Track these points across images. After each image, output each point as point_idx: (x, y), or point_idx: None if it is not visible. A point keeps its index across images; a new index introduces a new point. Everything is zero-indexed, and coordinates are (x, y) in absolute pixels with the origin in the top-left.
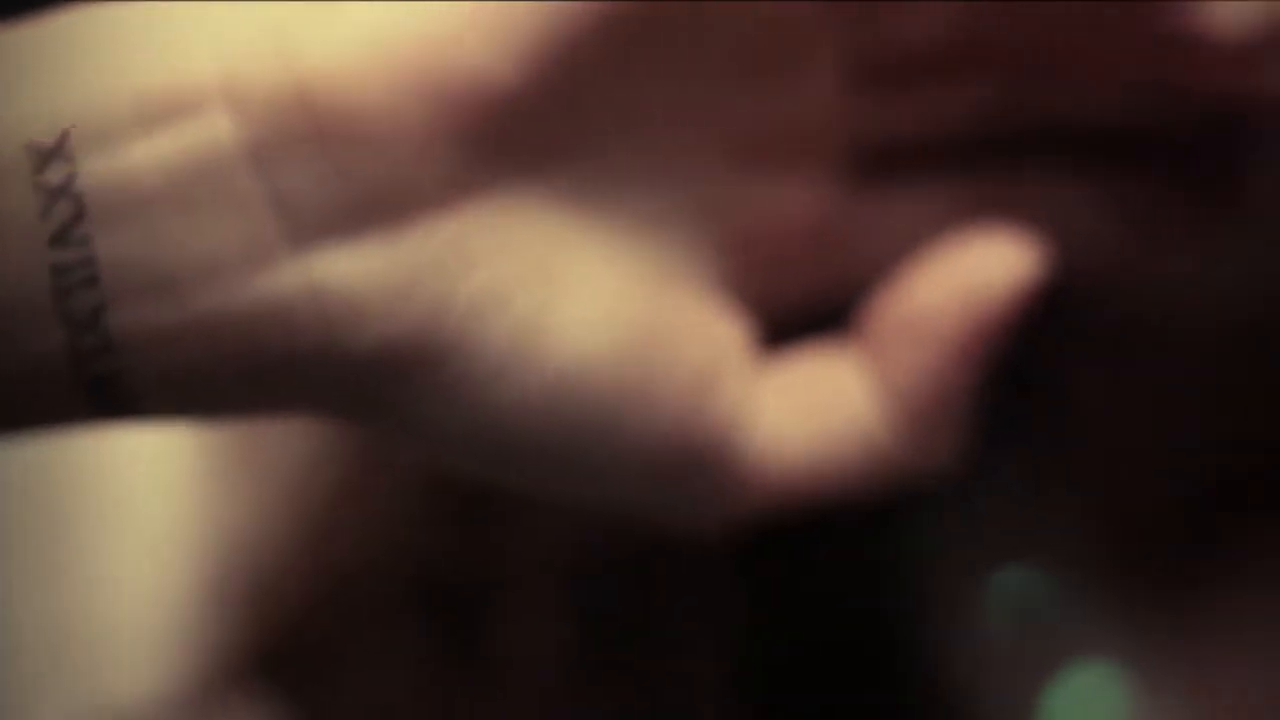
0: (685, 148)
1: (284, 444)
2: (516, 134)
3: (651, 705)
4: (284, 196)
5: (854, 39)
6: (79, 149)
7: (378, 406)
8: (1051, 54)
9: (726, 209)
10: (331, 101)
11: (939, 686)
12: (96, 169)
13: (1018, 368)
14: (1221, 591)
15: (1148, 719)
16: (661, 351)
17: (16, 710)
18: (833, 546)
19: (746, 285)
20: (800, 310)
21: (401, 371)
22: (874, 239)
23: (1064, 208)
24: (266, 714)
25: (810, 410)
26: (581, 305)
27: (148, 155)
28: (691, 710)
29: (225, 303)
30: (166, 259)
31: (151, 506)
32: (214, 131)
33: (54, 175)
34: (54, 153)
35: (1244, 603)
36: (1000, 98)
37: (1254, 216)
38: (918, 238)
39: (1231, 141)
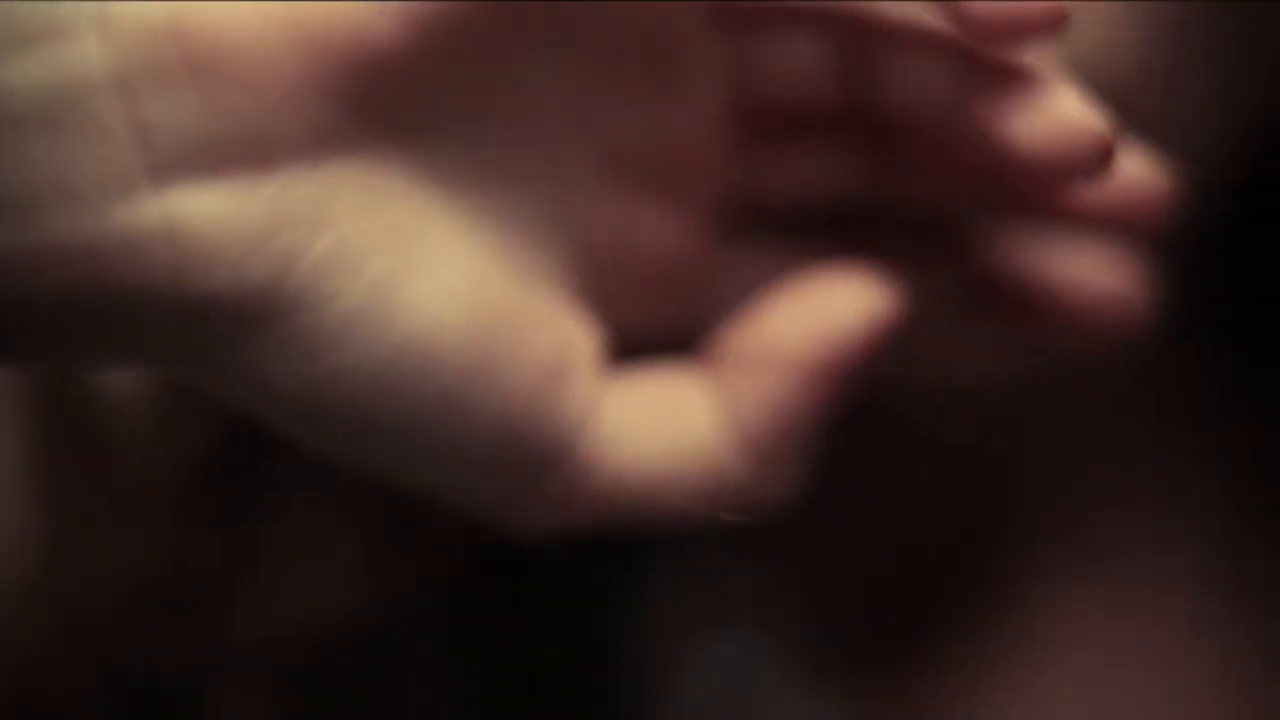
0: (560, 149)
1: None
2: (392, 99)
3: None
4: (148, 128)
5: (738, 75)
6: None
7: (216, 358)
8: (910, 131)
9: (591, 220)
10: (205, 37)
11: None
12: None
13: None
14: (934, 659)
15: None
16: (512, 338)
17: None
18: (560, 608)
19: (600, 300)
20: (648, 336)
21: (246, 321)
22: (728, 286)
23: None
24: None
25: (655, 426)
26: (436, 278)
27: (17, 75)
28: None
29: (80, 230)
30: (25, 180)
31: None
32: (84, 56)
33: None
34: None
35: (959, 678)
36: (864, 167)
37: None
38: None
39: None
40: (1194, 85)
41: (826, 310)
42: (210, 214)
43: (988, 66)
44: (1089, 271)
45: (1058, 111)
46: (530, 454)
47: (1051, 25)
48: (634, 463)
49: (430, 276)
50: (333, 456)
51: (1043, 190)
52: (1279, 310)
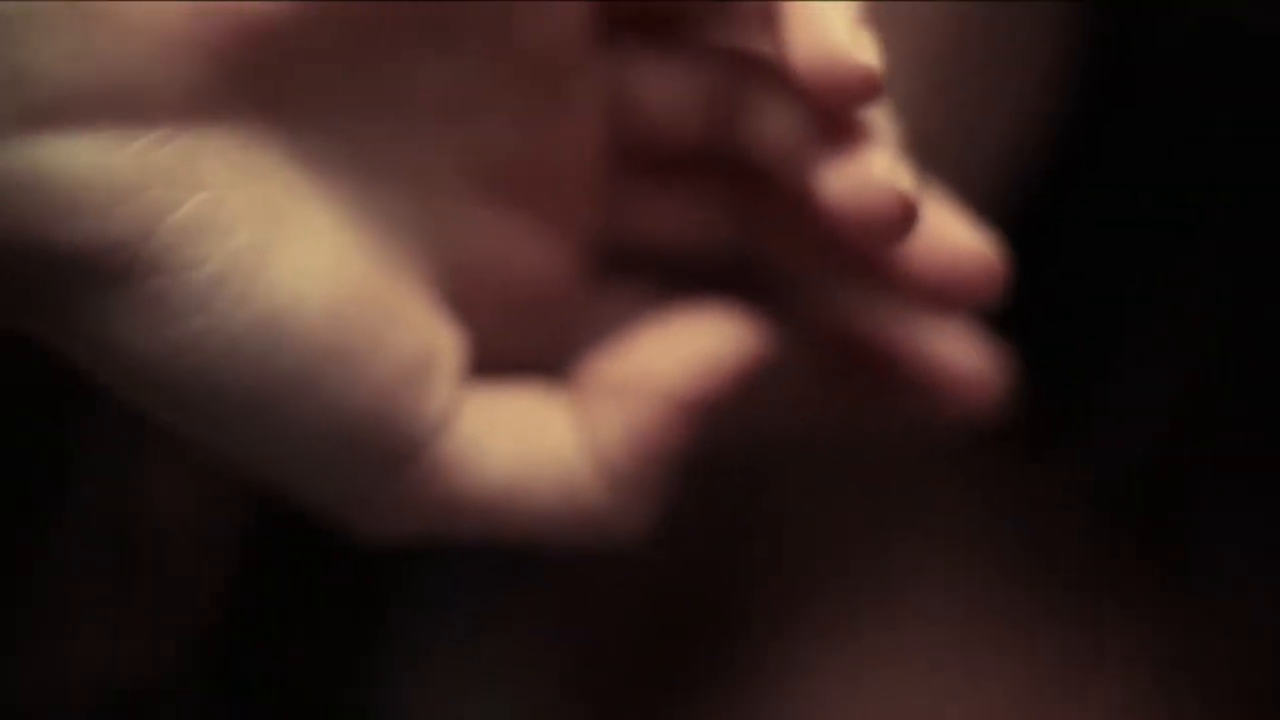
0: (436, 153)
1: None
2: (274, 72)
3: None
4: (23, 70)
5: (619, 104)
6: None
7: (70, 315)
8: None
9: (461, 230)
10: None
11: None
12: None
13: None
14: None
15: None
16: (372, 328)
17: None
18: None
19: (467, 312)
20: (513, 358)
21: (103, 276)
22: (595, 318)
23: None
24: None
25: (513, 441)
26: (301, 256)
27: None
28: None
29: None
30: None
31: None
32: None
33: None
34: None
35: None
36: (733, 213)
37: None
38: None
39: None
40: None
41: (695, 344)
42: (77, 162)
43: (824, 119)
44: (944, 344)
45: (865, 169)
46: (381, 449)
47: (867, 90)
48: (488, 475)
49: (296, 254)
50: (181, 430)
51: (856, 249)
52: (1051, 343)
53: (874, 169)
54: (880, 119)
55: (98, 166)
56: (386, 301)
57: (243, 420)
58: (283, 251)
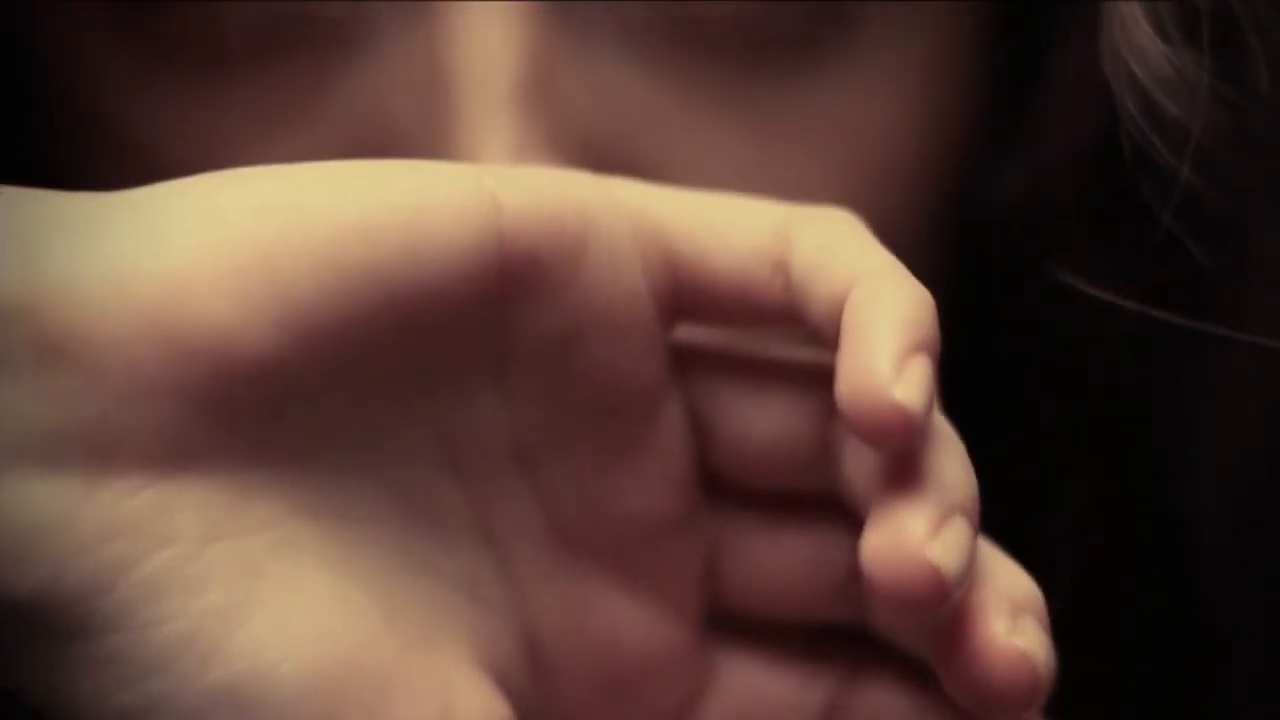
0: (492, 505)
1: None
2: (253, 408)
3: None
4: None
5: (705, 441)
6: None
7: (18, 666)
8: None
9: (533, 591)
10: (59, 322)
11: None
12: None
13: None
14: None
15: None
16: (370, 698)
17: None
18: None
19: (557, 682)
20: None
21: (56, 630)
22: (704, 686)
23: None
24: None
25: None
26: (282, 618)
27: None
28: None
29: None
30: None
31: None
32: None
33: None
34: None
35: None
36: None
37: None
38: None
39: None
40: None
41: None
42: (39, 506)
43: (887, 463)
44: None
45: (901, 532)
46: None
47: (902, 431)
48: None
49: (276, 615)
50: None
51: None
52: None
53: (909, 532)
54: (942, 464)
55: (60, 513)
56: (390, 670)
57: None
58: (260, 612)
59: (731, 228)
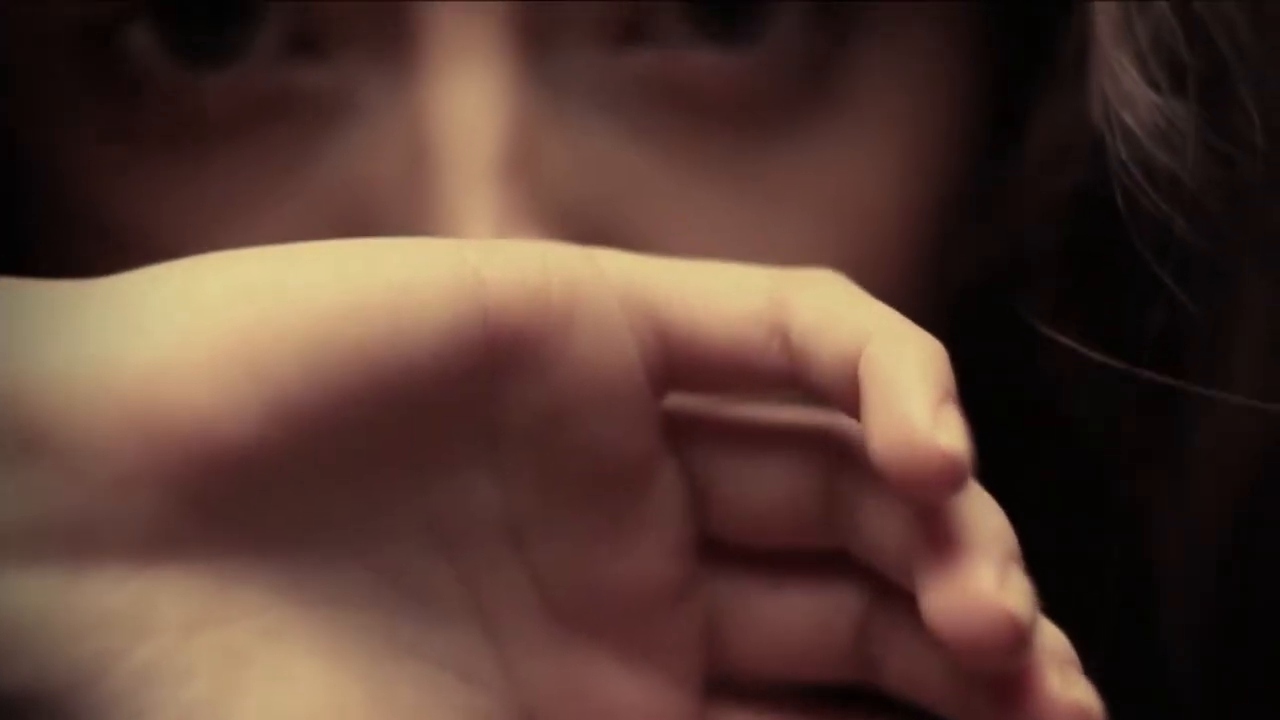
0: (486, 582)
1: None
2: (238, 494)
3: None
4: None
5: (702, 506)
6: None
7: None
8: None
9: (531, 667)
10: (39, 414)
11: None
12: None
13: None
14: None
15: None
16: None
17: None
18: None
19: None
20: None
21: None
22: None
23: None
24: None
25: None
26: (270, 703)
27: None
28: None
29: None
30: None
31: None
32: None
33: None
34: None
35: None
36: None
37: None
38: None
39: None
40: None
41: None
42: (23, 599)
43: (924, 519)
44: None
45: (968, 583)
46: None
47: (952, 477)
48: None
49: (263, 704)
50: None
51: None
52: None
53: (979, 583)
54: (984, 513)
55: (43, 607)
56: None
57: None
58: (246, 700)
59: (722, 294)
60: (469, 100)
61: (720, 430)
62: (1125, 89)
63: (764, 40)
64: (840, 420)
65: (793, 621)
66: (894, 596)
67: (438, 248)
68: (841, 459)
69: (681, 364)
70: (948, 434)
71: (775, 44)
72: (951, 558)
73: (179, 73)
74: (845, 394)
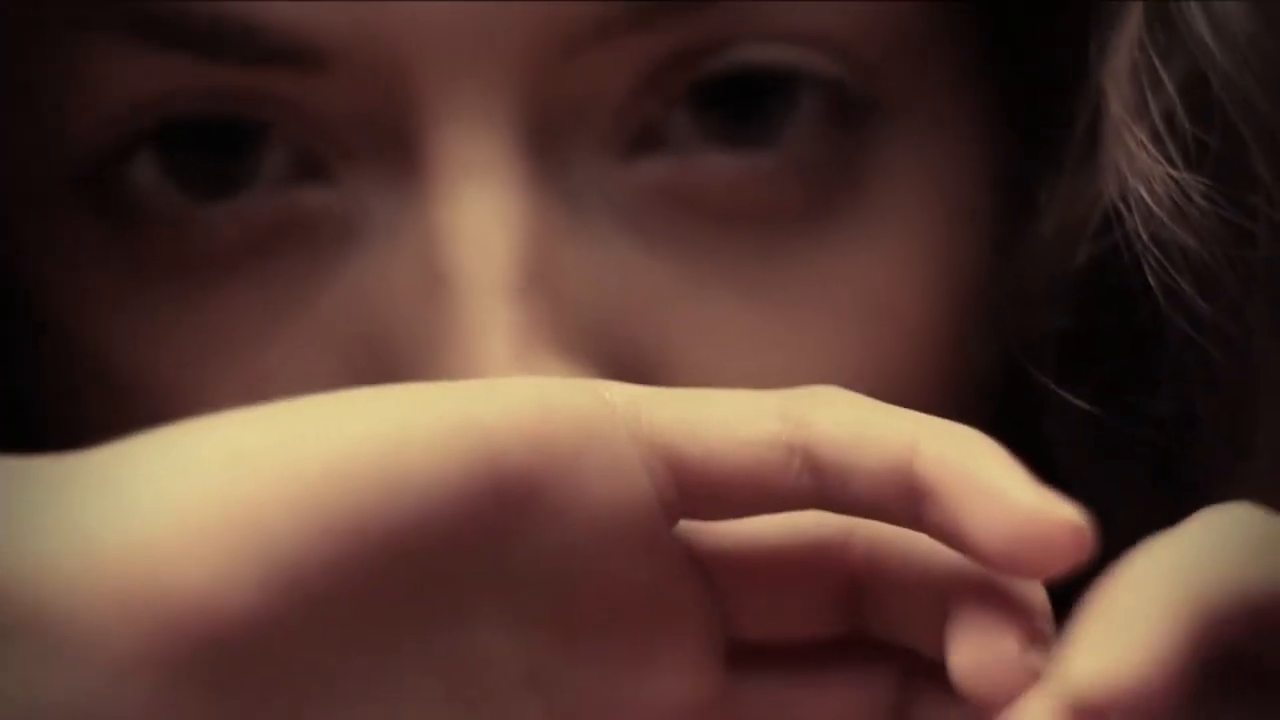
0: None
1: None
2: (242, 671)
3: None
4: None
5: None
6: None
7: None
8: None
9: None
10: (26, 599)
11: None
12: None
13: None
14: None
15: None
16: None
17: None
18: None
19: None
20: None
21: None
22: None
23: None
24: None
25: None
26: None
27: None
28: None
29: None
30: None
31: None
32: None
33: None
34: None
35: None
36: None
37: None
38: None
39: None
40: None
41: None
42: None
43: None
44: None
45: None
46: None
47: (1079, 546)
48: None
49: None
50: None
51: None
52: None
53: (1006, 644)
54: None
55: None
56: None
57: None
58: None
59: (733, 418)
60: (481, 217)
61: (738, 544)
62: (1140, 164)
63: (779, 142)
64: (860, 523)
65: (827, 712)
66: (928, 674)
67: (437, 396)
68: (869, 564)
69: (697, 492)
70: (1059, 506)
71: (790, 145)
72: (984, 621)
73: (183, 203)
74: (895, 501)
